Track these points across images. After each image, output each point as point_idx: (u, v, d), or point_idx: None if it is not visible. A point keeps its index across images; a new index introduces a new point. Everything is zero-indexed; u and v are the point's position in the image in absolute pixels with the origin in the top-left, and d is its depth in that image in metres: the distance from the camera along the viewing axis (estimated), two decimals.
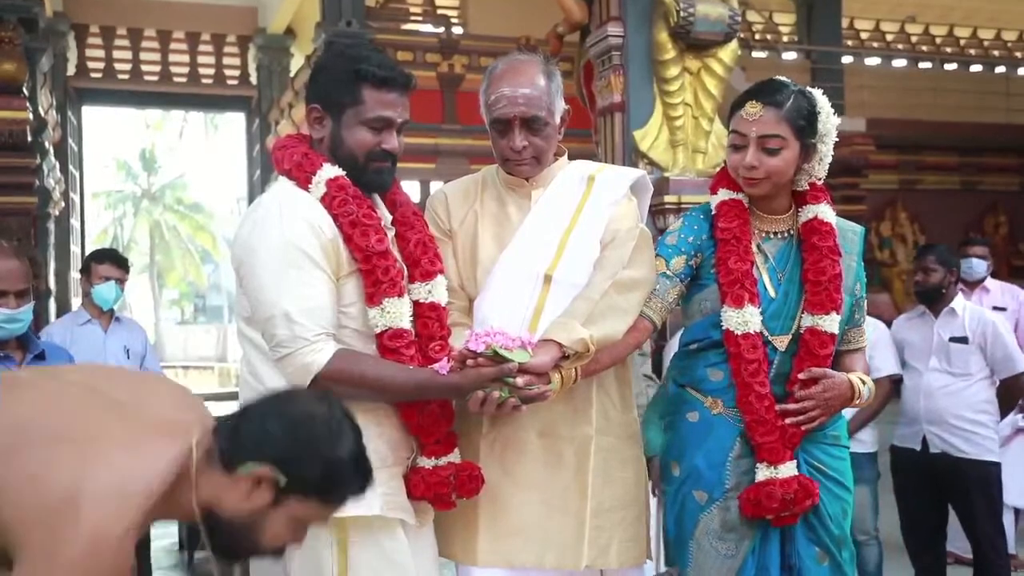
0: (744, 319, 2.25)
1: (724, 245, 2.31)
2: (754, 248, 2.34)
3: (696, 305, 2.38)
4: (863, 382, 2.31)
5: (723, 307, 2.28)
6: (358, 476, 1.58)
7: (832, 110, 2.33)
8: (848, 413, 2.46)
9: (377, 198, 2.19)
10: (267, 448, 1.51)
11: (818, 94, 2.33)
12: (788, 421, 2.24)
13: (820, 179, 2.37)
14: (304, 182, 2.06)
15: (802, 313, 2.30)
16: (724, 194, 2.37)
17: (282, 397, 1.64)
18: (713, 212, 2.37)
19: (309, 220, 1.99)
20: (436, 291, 2.14)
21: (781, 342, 2.30)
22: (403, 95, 2.10)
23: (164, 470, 1.45)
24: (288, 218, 1.99)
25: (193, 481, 1.49)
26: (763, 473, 2.23)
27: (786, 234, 2.38)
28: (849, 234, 2.40)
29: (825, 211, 2.35)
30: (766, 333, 2.28)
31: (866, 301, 2.48)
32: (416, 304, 2.12)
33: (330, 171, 2.06)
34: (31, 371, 2.39)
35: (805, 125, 2.27)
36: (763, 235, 2.37)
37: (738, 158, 2.29)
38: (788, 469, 2.23)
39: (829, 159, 2.35)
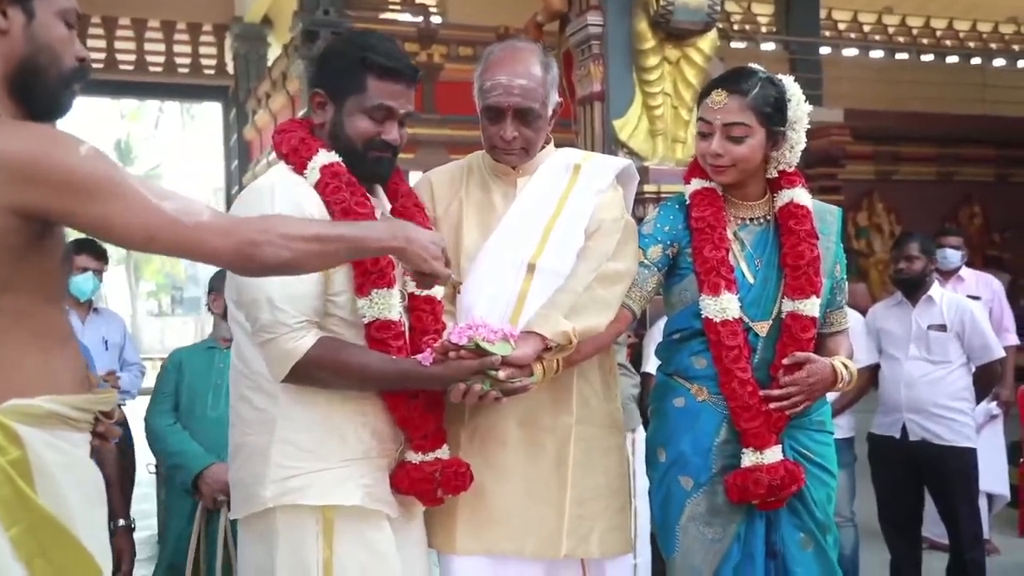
0: (722, 306, 2.25)
1: (699, 234, 2.31)
2: (730, 235, 2.34)
3: (677, 295, 2.39)
4: (845, 366, 2.32)
5: (701, 296, 2.28)
6: None
7: (804, 97, 2.33)
8: (829, 398, 2.47)
9: (379, 188, 2.18)
10: None
11: (789, 81, 2.33)
12: (772, 406, 2.25)
13: (791, 166, 2.37)
14: (300, 167, 2.05)
15: (782, 298, 2.31)
16: (697, 183, 2.37)
17: None
18: (688, 202, 2.38)
19: (299, 205, 1.97)
20: None
21: (762, 328, 2.31)
22: (408, 87, 2.10)
23: None
24: (278, 202, 1.97)
25: None
26: (749, 459, 2.24)
27: (762, 220, 2.38)
28: (827, 216, 2.41)
29: (801, 195, 2.36)
30: (746, 319, 2.29)
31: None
32: (411, 296, 2.11)
33: (325, 157, 2.04)
34: None
35: (772, 112, 2.27)
36: (740, 222, 2.38)
37: (704, 146, 2.31)
38: (774, 454, 2.24)
39: (801, 147, 2.35)
